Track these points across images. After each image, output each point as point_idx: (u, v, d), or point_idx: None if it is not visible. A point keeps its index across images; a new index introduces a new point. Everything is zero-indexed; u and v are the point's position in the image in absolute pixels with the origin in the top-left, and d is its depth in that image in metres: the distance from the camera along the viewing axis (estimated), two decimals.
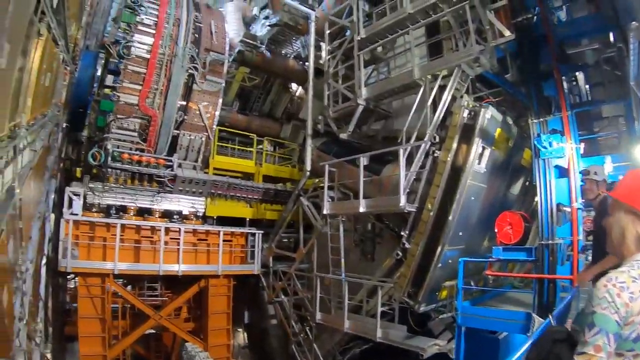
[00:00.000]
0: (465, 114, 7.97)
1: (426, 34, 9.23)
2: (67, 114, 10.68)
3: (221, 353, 11.35)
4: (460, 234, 8.31)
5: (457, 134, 7.97)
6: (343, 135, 10.32)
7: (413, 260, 8.16)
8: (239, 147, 13.76)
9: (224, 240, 11.52)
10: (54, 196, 9.65)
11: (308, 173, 11.29)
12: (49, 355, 8.10)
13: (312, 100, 11.71)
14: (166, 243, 10.57)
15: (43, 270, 8.69)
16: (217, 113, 11.81)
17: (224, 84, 11.81)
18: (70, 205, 9.51)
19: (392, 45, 10.34)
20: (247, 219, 12.73)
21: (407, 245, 8.41)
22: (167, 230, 10.76)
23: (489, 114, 7.89)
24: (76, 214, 9.51)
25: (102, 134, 10.34)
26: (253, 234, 11.99)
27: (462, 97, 8.14)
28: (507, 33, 7.36)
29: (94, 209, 10.14)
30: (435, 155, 8.28)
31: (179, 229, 10.72)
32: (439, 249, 8.05)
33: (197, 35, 11.14)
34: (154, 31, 10.32)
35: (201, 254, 11.28)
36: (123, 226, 9.98)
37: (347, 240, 10.11)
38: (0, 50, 2.89)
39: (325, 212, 9.86)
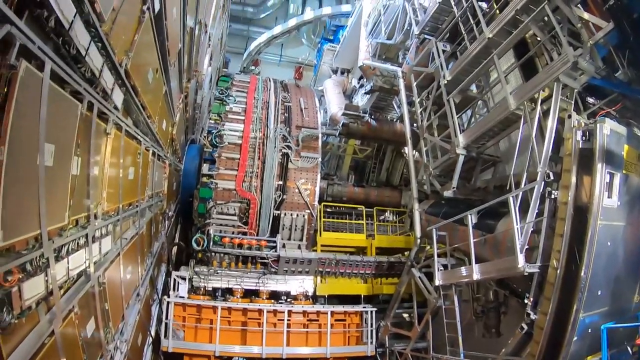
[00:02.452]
0: (579, 136, 6.95)
1: (516, 57, 8.62)
2: (177, 203, 12.41)
3: None
4: (599, 292, 6.96)
5: (574, 164, 6.93)
6: (447, 193, 9.87)
7: (542, 335, 7.02)
8: (349, 221, 14.00)
9: (337, 320, 11.57)
10: (164, 280, 11.00)
11: (419, 241, 10.89)
12: None
13: (414, 161, 11.54)
14: (274, 325, 10.91)
15: (148, 350, 9.79)
16: (317, 189, 12.47)
17: (320, 159, 12.54)
18: (176, 288, 10.64)
19: (487, 81, 9.84)
20: (362, 296, 12.66)
21: (532, 316, 7.33)
22: (275, 312, 11.13)
23: (607, 129, 6.76)
24: (182, 297, 10.59)
25: (204, 220, 11.63)
26: (370, 312, 11.82)
27: (569, 116, 7.14)
28: (603, 24, 6.45)
29: (200, 292, 11.13)
30: (553, 196, 7.26)
31: (284, 310, 11.02)
32: (573, 316, 6.77)
33: (287, 115, 12.23)
34: (243, 117, 11.73)
35: (312, 335, 11.39)
36: (224, 308, 10.71)
37: (467, 313, 9.49)
38: (42, 154, 3.69)
39: (437, 283, 9.38)
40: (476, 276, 7.94)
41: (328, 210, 14.17)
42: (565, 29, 6.81)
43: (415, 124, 11.54)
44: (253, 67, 26.08)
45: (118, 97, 6.11)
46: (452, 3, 9.95)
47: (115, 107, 6.16)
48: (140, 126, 8.20)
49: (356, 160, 17.31)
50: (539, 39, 7.52)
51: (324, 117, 17.96)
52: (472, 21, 9.06)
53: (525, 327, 7.45)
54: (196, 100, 14.45)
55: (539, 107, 7.49)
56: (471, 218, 8.20)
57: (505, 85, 8.07)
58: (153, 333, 10.11)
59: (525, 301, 7.45)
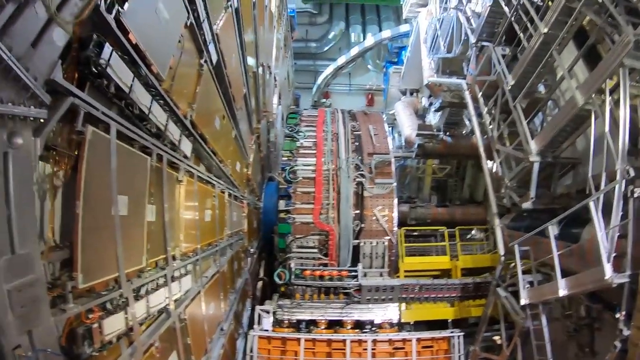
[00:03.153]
0: None
1: (578, 49, 8.12)
2: (259, 240, 13.05)
3: None
4: None
5: None
6: (526, 205, 9.42)
7: (636, 352, 6.34)
8: (431, 244, 13.76)
9: (424, 347, 11.27)
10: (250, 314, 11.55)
11: (502, 258, 10.40)
12: None
13: (491, 174, 11.16)
14: (359, 354, 10.90)
15: None
16: (395, 214, 12.44)
17: (394, 184, 12.53)
18: (259, 322, 11.09)
19: (554, 79, 9.33)
20: (450, 320, 12.34)
21: (625, 332, 6.61)
22: (360, 341, 11.12)
23: None
24: (266, 330, 11.00)
25: (285, 254, 12.09)
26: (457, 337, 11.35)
27: None
28: None
29: (284, 325, 11.46)
30: (637, 195, 6.65)
31: (368, 339, 10.97)
32: None
33: (357, 143, 12.48)
34: (314, 151, 12.16)
35: None
36: (308, 340, 10.96)
37: (559, 332, 8.83)
38: (116, 205, 4.31)
39: (522, 302, 8.91)
40: (562, 292, 7.44)
41: (409, 234, 13.97)
42: (622, 6, 6.32)
43: (485, 136, 11.16)
44: (324, 100, 26.94)
45: (186, 146, 6.76)
46: (503, 4, 9.66)
47: (185, 156, 6.82)
48: (214, 170, 8.92)
49: (437, 180, 17.01)
50: (597, 24, 7.01)
51: (399, 140, 17.98)
52: (525, 18, 8.73)
53: (619, 344, 6.74)
54: (269, 139, 15.30)
55: (608, 98, 6.90)
56: (552, 229, 7.69)
57: (569, 80, 7.59)
58: None
59: (617, 316, 6.77)
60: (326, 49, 31.41)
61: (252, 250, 13.23)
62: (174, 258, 6.55)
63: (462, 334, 11.27)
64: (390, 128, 20.45)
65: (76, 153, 3.82)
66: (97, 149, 4.02)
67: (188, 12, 5.76)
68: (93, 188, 3.98)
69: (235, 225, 11.28)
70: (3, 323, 2.68)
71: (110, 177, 4.29)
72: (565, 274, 7.63)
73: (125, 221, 4.66)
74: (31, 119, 2.94)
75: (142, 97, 4.79)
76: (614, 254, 6.39)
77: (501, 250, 10.32)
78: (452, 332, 11.37)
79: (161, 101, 5.41)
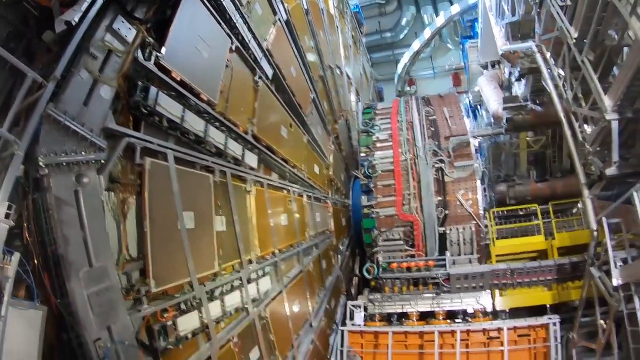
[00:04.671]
0: None
1: None
2: (349, 237, 13.69)
3: None
4: None
5: None
6: (610, 171, 8.70)
7: None
8: (523, 224, 13.28)
9: (520, 335, 10.96)
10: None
11: (595, 233, 9.75)
12: None
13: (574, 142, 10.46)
14: (452, 346, 10.94)
15: None
16: (479, 197, 12.28)
17: (475, 164, 12.37)
18: (351, 317, 11.72)
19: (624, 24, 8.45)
20: (548, 305, 11.67)
21: None
22: (452, 332, 11.14)
23: None
24: (358, 324, 11.60)
25: (372, 249, 12.59)
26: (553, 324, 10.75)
27: None
28: None
29: (376, 319, 11.98)
30: None
31: (457, 330, 10.96)
32: None
33: (433, 128, 12.55)
34: (391, 143, 12.47)
35: (495, 354, 10.87)
36: (399, 333, 11.32)
37: None
38: (182, 220, 5.30)
39: (614, 282, 8.27)
40: None
41: (500, 216, 13.57)
42: None
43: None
44: (408, 88, 26.69)
45: (251, 159, 7.62)
46: None
47: (252, 168, 7.70)
48: (287, 177, 9.75)
49: (534, 153, 16.09)
50: None
51: (487, 118, 17.40)
52: None
53: None
54: (351, 137, 15.90)
55: None
56: (637, 196, 6.98)
57: (629, 19, 6.88)
58: None
59: None
60: (402, 36, 30.99)
61: (341, 248, 13.94)
62: (250, 262, 7.47)
63: (558, 320, 10.73)
64: (478, 106, 19.87)
65: (139, 182, 4.77)
66: (157, 176, 4.96)
67: (231, 38, 6.57)
68: (157, 208, 4.93)
69: (321, 225, 12.05)
70: (85, 320, 3.62)
71: (173, 197, 5.22)
72: None
73: (193, 233, 5.60)
74: (93, 161, 3.87)
75: (195, 124, 5.67)
76: None
77: (592, 224, 9.48)
78: (549, 319, 10.83)
79: (217, 123, 6.27)
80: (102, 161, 4.04)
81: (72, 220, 3.55)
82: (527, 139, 15.41)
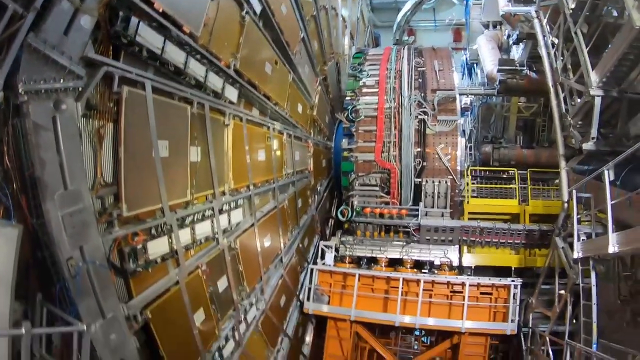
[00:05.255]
0: None
1: None
2: (329, 179, 14.12)
3: None
4: None
5: None
6: (587, 145, 9.15)
7: None
8: (500, 186, 13.85)
9: (483, 293, 11.72)
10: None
11: (566, 205, 10.34)
12: None
13: (559, 112, 10.81)
14: (416, 294, 11.66)
15: (295, 311, 11.86)
16: (459, 153, 12.67)
17: (459, 120, 12.69)
18: (322, 257, 12.43)
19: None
20: (513, 268, 12.43)
21: None
22: (417, 281, 11.86)
23: None
24: (328, 265, 12.33)
25: (348, 192, 13.11)
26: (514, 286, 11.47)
27: None
28: None
29: (346, 260, 12.71)
30: None
31: (420, 279, 11.68)
32: None
33: (421, 80, 12.72)
34: (377, 89, 12.65)
35: (456, 308, 11.68)
36: (367, 276, 12.06)
37: (612, 295, 8.45)
38: (156, 148, 5.60)
39: (575, 255, 8.71)
40: (612, 248, 6.84)
41: (477, 175, 14.12)
42: None
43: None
44: (406, 38, 26.18)
45: (232, 93, 7.82)
46: None
47: (231, 102, 7.92)
48: (268, 113, 9.99)
49: (523, 119, 16.54)
50: None
51: (482, 77, 17.56)
52: None
53: None
54: (340, 81, 15.96)
55: None
56: (607, 174, 7.06)
57: None
58: (301, 297, 12.16)
59: None
60: None
61: (319, 188, 14.43)
62: (223, 193, 7.87)
63: (521, 283, 11.41)
64: (474, 64, 19.93)
65: (116, 109, 5.03)
66: (134, 104, 5.21)
67: None
68: (133, 136, 5.22)
69: (299, 164, 12.42)
70: (59, 240, 4.00)
71: (149, 126, 5.50)
72: (621, 228, 6.97)
73: (166, 162, 5.92)
74: (71, 89, 4.12)
75: (175, 55, 5.84)
76: None
77: (564, 195, 10.04)
78: (512, 281, 11.51)
79: (198, 56, 6.43)
80: (80, 89, 4.27)
81: (49, 145, 3.84)
82: (519, 104, 15.81)
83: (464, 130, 15.53)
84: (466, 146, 15.72)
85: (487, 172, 14.87)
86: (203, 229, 7.10)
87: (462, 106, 15.68)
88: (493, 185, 13.83)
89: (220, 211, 7.70)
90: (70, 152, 4.16)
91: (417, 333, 13.90)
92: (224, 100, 7.65)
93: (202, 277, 6.97)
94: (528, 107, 16.04)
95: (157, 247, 5.79)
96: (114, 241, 4.99)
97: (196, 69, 6.47)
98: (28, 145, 3.67)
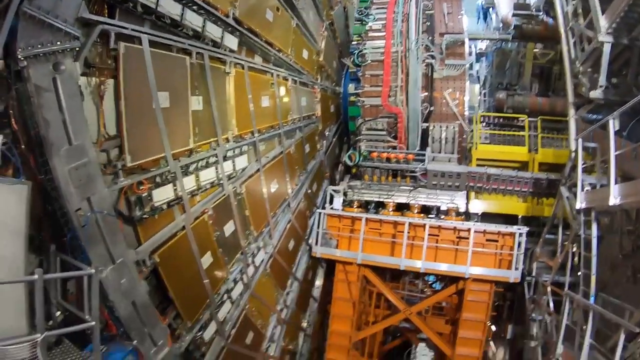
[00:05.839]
0: None
1: None
2: (338, 124, 14.35)
3: None
4: None
5: None
6: (595, 94, 9.07)
7: None
8: (507, 133, 13.88)
9: (489, 240, 11.96)
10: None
11: (573, 154, 10.36)
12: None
13: (569, 57, 10.66)
14: (422, 239, 11.99)
15: (305, 255, 12.49)
16: (466, 98, 12.73)
17: (467, 64, 12.64)
18: (331, 202, 12.89)
19: None
20: (520, 216, 12.64)
21: None
22: (423, 226, 12.18)
23: None
24: (336, 209, 12.81)
25: (355, 137, 13.37)
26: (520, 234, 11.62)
27: None
28: None
29: (354, 205, 13.17)
30: None
31: (426, 224, 12.05)
32: None
33: (429, 24, 12.58)
34: (384, 33, 12.57)
35: (462, 254, 11.97)
36: (374, 220, 12.50)
37: (614, 249, 8.31)
38: (156, 99, 5.93)
39: (578, 205, 8.46)
40: (613, 200, 6.68)
41: (487, 122, 14.16)
42: None
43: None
44: None
45: (231, 42, 8.00)
46: None
47: (231, 50, 8.11)
48: (272, 60, 10.13)
49: (539, 66, 16.23)
50: None
51: (497, 22, 17.13)
52: None
53: None
54: (348, 25, 15.80)
55: None
56: (612, 123, 6.84)
57: None
58: (310, 241, 12.77)
59: None
60: None
61: (328, 134, 14.70)
62: (227, 140, 8.23)
63: (526, 231, 11.53)
64: (490, 8, 19.32)
65: (114, 65, 5.33)
66: (131, 59, 5.49)
67: None
68: (132, 89, 5.54)
69: (306, 109, 12.66)
70: (66, 193, 4.43)
71: (148, 79, 5.80)
72: (626, 179, 6.90)
73: (167, 112, 6.25)
74: (68, 50, 4.41)
75: (171, 8, 6.04)
76: None
77: (572, 144, 9.94)
78: (518, 229, 11.64)
79: (194, 7, 6.60)
80: (77, 49, 4.55)
81: (52, 105, 4.19)
82: (535, 50, 15.48)
83: (478, 77, 15.35)
84: (480, 92, 15.59)
85: (497, 119, 14.82)
86: (208, 175, 7.50)
87: (477, 52, 15.40)
88: (502, 132, 13.85)
89: (225, 158, 8.08)
90: (73, 110, 4.49)
91: (429, 279, 14.52)
92: (224, 49, 7.85)
93: (208, 222, 7.47)
94: (544, 54, 15.70)
95: (162, 195, 6.22)
96: (120, 191, 5.42)
97: (193, 19, 6.65)
98: (32, 107, 4.03)
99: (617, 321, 5.90)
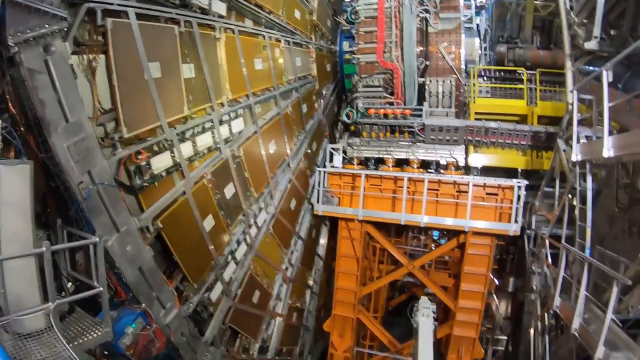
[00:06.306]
0: None
1: None
2: (336, 83, 14.63)
3: (471, 317, 12.49)
4: None
5: None
6: (589, 45, 9.06)
7: None
8: (505, 86, 13.90)
9: (489, 194, 12.16)
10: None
11: (570, 107, 10.36)
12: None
13: (565, 8, 10.54)
14: (422, 194, 12.23)
15: (307, 213, 12.91)
16: (463, 51, 12.73)
17: (462, 17, 12.56)
18: (331, 160, 13.23)
19: None
20: (519, 170, 12.74)
21: None
22: (422, 181, 12.33)
23: None
24: (336, 167, 13.12)
25: (352, 95, 13.51)
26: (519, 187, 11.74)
27: None
28: None
29: (354, 162, 13.49)
30: None
31: (424, 179, 12.27)
32: None
33: None
34: None
35: (462, 208, 12.18)
36: (373, 176, 12.81)
37: (611, 203, 8.34)
38: (148, 70, 6.16)
39: (574, 157, 8.46)
40: (607, 152, 6.66)
41: (485, 75, 14.16)
42: None
43: None
44: None
45: (219, 7, 8.12)
46: None
47: (220, 16, 8.24)
48: (263, 22, 10.21)
49: (541, 19, 16.01)
50: None
51: None
52: None
53: None
54: None
55: None
56: (606, 75, 6.70)
57: None
58: (312, 200, 13.17)
59: None
60: None
61: (325, 93, 14.83)
62: (222, 105, 8.47)
63: (525, 184, 11.65)
64: None
65: (104, 40, 5.54)
66: (120, 33, 5.68)
67: None
68: (123, 62, 5.76)
69: (301, 70, 12.77)
70: (67, 168, 4.75)
71: (138, 51, 6.01)
72: (622, 132, 6.84)
73: (160, 82, 6.48)
74: (57, 31, 4.64)
75: None
76: None
77: (568, 96, 9.92)
78: (518, 182, 11.76)
79: None
80: (66, 29, 4.78)
81: (46, 86, 4.45)
82: (536, 2, 15.26)
83: (478, 30, 15.18)
84: (480, 46, 15.48)
85: (497, 72, 14.78)
86: (204, 140, 7.81)
87: (478, 4, 15.18)
88: (500, 85, 13.85)
89: (221, 122, 8.36)
90: (66, 89, 4.76)
91: (434, 235, 14.92)
92: (213, 15, 7.98)
93: (207, 185, 7.81)
94: (545, 6, 15.49)
95: (161, 162, 6.56)
96: (119, 162, 5.73)
97: None
98: (27, 90, 4.30)
99: (611, 274, 5.92)
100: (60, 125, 4.66)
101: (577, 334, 6.98)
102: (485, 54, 17.05)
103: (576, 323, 7.04)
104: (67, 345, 4.00)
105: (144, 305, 5.98)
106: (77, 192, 4.80)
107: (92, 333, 4.78)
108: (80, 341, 4.64)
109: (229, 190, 8.67)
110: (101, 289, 4.65)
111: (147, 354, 6.07)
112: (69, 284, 5.26)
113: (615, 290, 5.73)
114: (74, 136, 4.83)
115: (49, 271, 4.11)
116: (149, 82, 6.22)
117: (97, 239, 4.57)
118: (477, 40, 14.80)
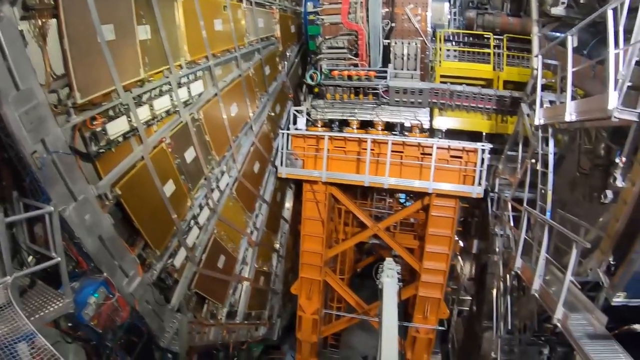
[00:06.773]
0: None
1: None
2: (300, 45, 14.47)
3: (436, 278, 13.07)
4: None
5: None
6: (556, 10, 9.27)
7: (622, 212, 5.72)
8: (472, 50, 14.06)
9: (454, 157, 12.47)
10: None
11: (535, 72, 10.58)
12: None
13: None
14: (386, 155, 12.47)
15: (271, 177, 13.17)
16: (429, 14, 12.78)
17: None
18: (295, 122, 13.28)
19: None
20: (484, 134, 13.10)
21: (620, 183, 5.91)
22: (386, 142, 12.54)
23: None
24: (300, 129, 13.20)
25: (316, 56, 13.48)
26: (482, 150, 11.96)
27: None
28: None
29: (318, 124, 13.60)
30: None
31: (388, 140, 12.43)
32: None
33: None
34: None
35: (426, 170, 12.45)
36: (337, 138, 12.99)
37: (574, 168, 8.49)
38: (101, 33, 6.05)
39: (536, 121, 8.69)
40: (569, 116, 6.90)
41: (452, 39, 14.29)
42: None
43: None
44: None
45: None
46: None
47: None
48: None
49: None
50: None
51: None
52: None
53: (611, 195, 6.21)
54: None
55: None
56: (570, 40, 6.91)
57: None
58: (276, 163, 13.29)
59: (617, 160, 5.94)
60: None
61: (289, 54, 14.72)
62: (180, 67, 8.39)
63: (490, 147, 11.93)
64: None
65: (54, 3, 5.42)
66: None
67: None
68: (75, 26, 5.65)
69: (264, 31, 12.64)
70: (20, 137, 4.72)
71: (90, 13, 5.89)
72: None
73: (114, 44, 6.37)
74: None
75: None
76: (628, 83, 5.23)
77: (534, 62, 10.14)
78: (482, 145, 11.93)
79: None
80: None
81: None
82: None
83: None
84: (450, 11, 15.55)
85: (462, 36, 14.90)
86: (162, 104, 7.77)
87: None
88: (466, 49, 14.04)
89: (179, 85, 8.30)
90: (16, 55, 4.67)
91: (402, 199, 15.21)
92: None
93: (167, 150, 7.82)
94: None
95: (117, 127, 6.53)
96: (74, 128, 5.71)
97: None
98: None
99: (571, 236, 6.07)
100: (10, 94, 4.60)
101: (537, 295, 7.26)
102: (455, 19, 17.12)
103: (536, 284, 7.28)
104: (26, 319, 4.09)
105: (105, 274, 6.06)
106: (30, 161, 4.80)
107: (53, 305, 4.89)
108: (41, 314, 4.74)
109: (189, 154, 8.69)
110: (59, 259, 4.74)
111: (112, 323, 6.20)
112: (30, 258, 5.32)
113: (574, 252, 5.90)
114: (25, 104, 4.78)
115: (5, 245, 4.16)
116: (102, 45, 6.12)
117: (52, 208, 4.62)
118: (446, 4, 14.88)
